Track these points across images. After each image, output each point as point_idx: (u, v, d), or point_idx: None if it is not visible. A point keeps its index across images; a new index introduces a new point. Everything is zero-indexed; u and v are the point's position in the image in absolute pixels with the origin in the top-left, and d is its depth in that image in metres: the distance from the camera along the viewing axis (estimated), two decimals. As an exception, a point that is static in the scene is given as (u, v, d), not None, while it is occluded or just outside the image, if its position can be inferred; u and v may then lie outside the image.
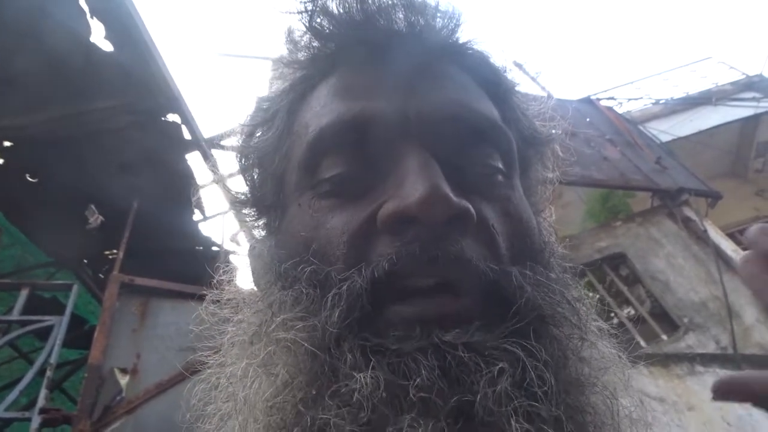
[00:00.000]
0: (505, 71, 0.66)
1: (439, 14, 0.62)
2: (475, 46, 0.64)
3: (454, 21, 0.62)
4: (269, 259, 0.59)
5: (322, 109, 0.58)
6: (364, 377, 0.42)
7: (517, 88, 0.67)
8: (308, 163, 0.56)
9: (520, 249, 0.53)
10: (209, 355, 0.61)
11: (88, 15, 3.55)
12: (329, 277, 0.49)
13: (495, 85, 0.64)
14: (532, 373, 0.43)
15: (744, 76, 10.24)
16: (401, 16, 0.60)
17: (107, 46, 3.73)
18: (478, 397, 0.41)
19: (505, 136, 0.58)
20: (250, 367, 0.51)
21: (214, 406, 0.57)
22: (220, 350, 0.60)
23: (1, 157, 4.34)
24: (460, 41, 0.63)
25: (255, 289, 0.63)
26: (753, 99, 9.40)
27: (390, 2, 0.59)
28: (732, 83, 10.12)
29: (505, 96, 0.65)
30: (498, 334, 0.45)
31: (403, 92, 0.55)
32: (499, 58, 0.66)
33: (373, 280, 0.47)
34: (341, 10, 0.60)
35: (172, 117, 4.33)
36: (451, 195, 0.47)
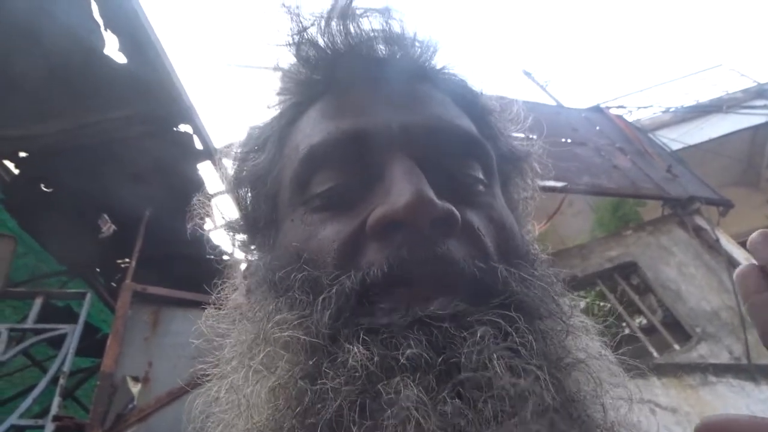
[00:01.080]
0: (481, 94, 0.71)
1: (417, 43, 0.67)
2: (452, 71, 0.69)
3: (431, 49, 0.68)
4: (264, 273, 0.61)
5: (312, 130, 0.61)
6: (358, 349, 0.45)
7: (493, 109, 0.72)
8: (300, 180, 0.59)
9: (506, 251, 0.56)
10: (210, 368, 0.63)
11: (102, 28, 3.60)
12: (320, 282, 0.51)
13: (472, 105, 0.69)
14: (514, 334, 0.46)
15: (755, 84, 10.18)
16: (381, 46, 0.65)
17: (121, 58, 3.78)
18: (463, 356, 0.43)
19: (484, 148, 0.62)
20: (250, 371, 0.53)
21: (216, 418, 0.59)
22: (220, 363, 0.62)
23: (17, 167, 4.40)
24: (437, 67, 0.68)
25: (252, 301, 0.64)
26: (764, 107, 9.34)
27: (371, 35, 0.64)
28: (743, 91, 10.06)
29: (482, 115, 0.69)
30: (482, 308, 0.47)
31: (387, 109, 0.59)
32: (474, 81, 0.71)
33: (364, 284, 0.49)
34: (326, 41, 0.64)
35: (184, 127, 4.37)
36: (435, 198, 0.50)
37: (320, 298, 0.50)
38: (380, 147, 0.56)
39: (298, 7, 0.65)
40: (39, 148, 4.19)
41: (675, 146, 8.91)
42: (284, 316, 0.52)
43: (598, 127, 8.41)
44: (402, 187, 0.51)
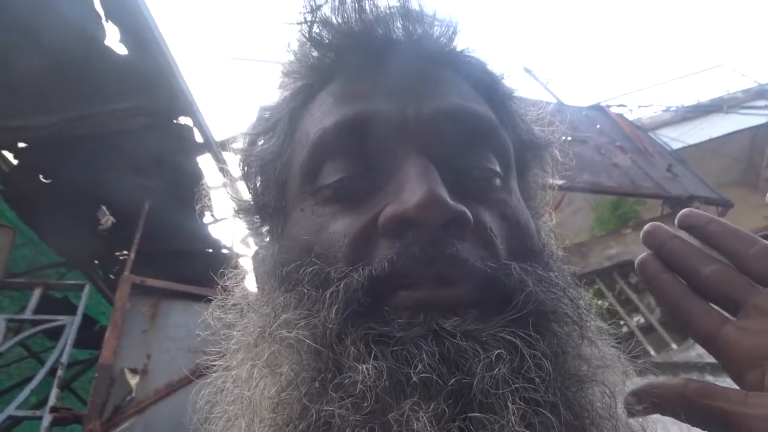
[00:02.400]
0: (502, 77, 0.67)
1: (436, 23, 0.63)
2: (472, 54, 0.65)
3: (452, 29, 0.63)
4: (272, 264, 0.60)
5: (323, 114, 0.59)
6: (366, 368, 0.43)
7: (514, 94, 0.68)
8: (309, 168, 0.57)
9: (519, 250, 0.54)
10: (216, 359, 0.62)
11: (104, 19, 3.59)
12: (329, 277, 0.50)
13: (492, 90, 0.65)
14: (530, 361, 0.44)
15: (756, 84, 10.19)
16: (399, 24, 0.61)
17: (121, 50, 3.76)
18: (476, 379, 0.42)
19: (502, 139, 0.60)
20: (255, 368, 0.52)
21: (221, 408, 0.58)
22: (226, 354, 0.61)
23: (16, 158, 4.39)
24: (458, 49, 0.64)
25: (259, 293, 0.63)
26: (765, 107, 9.35)
27: (388, 12, 0.61)
28: (743, 91, 10.07)
29: (503, 101, 0.66)
30: (495, 323, 0.46)
31: (402, 95, 0.56)
32: (495, 65, 0.67)
33: (371, 277, 0.48)
34: (340, 21, 0.61)
35: (184, 120, 4.36)
36: (448, 199, 0.48)
37: (328, 292, 0.49)
38: (394, 137, 0.54)
39: None
40: (38, 139, 4.18)
41: (675, 145, 8.92)
42: (290, 315, 0.50)
43: (598, 126, 8.40)
44: (415, 186, 0.49)
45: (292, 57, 0.67)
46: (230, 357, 0.59)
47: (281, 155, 0.64)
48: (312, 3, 0.62)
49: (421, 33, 0.62)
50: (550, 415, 0.43)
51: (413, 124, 0.55)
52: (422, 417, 0.40)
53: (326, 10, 0.61)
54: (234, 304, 0.65)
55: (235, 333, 0.61)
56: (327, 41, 0.62)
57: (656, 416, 0.53)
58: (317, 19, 0.62)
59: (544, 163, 0.72)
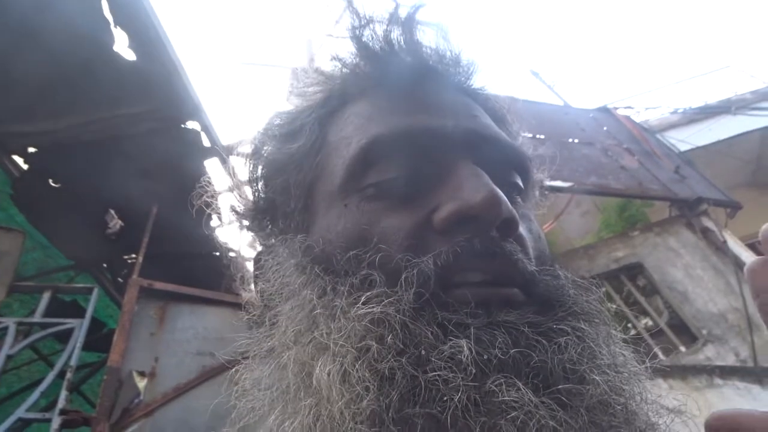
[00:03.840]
0: (508, 110, 0.76)
1: (461, 60, 0.70)
2: (488, 92, 0.74)
3: (472, 68, 0.71)
4: (302, 256, 0.60)
5: (370, 123, 0.63)
6: (459, 343, 0.46)
7: (519, 134, 0.76)
8: (356, 168, 0.60)
9: (542, 261, 0.58)
10: (241, 355, 0.63)
11: (112, 25, 3.62)
12: (398, 263, 0.52)
13: (502, 121, 0.73)
14: (593, 346, 0.49)
15: (764, 85, 10.12)
16: (432, 56, 0.68)
17: (130, 55, 3.79)
18: (551, 362, 0.46)
19: (528, 163, 0.66)
20: (333, 343, 0.51)
21: (251, 398, 0.59)
22: (256, 345, 0.62)
23: (26, 163, 4.43)
24: (475, 86, 0.73)
25: (269, 290, 0.64)
26: (774, 108, 9.28)
27: (423, 44, 0.67)
28: (752, 92, 10.00)
29: (510, 130, 0.74)
30: (550, 317, 0.50)
31: (442, 114, 0.62)
32: (502, 99, 0.76)
33: (437, 266, 0.51)
34: (385, 38, 0.67)
35: (192, 124, 4.39)
36: (507, 199, 0.53)
37: (402, 276, 0.51)
38: (443, 146, 0.59)
39: (361, 2, 0.68)
40: (48, 143, 4.22)
41: (683, 147, 8.87)
42: (363, 294, 0.51)
43: (605, 128, 8.38)
44: (477, 185, 0.53)
45: (322, 67, 0.72)
46: (264, 343, 0.60)
47: (309, 157, 0.67)
48: (363, 18, 0.67)
49: (451, 65, 0.69)
50: (623, 387, 0.48)
51: (461, 139, 0.60)
52: (521, 386, 0.43)
53: (376, 26, 0.67)
54: (270, 295, 0.65)
55: (281, 319, 0.60)
56: (372, 53, 0.68)
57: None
58: (367, 33, 0.67)
59: (536, 190, 0.77)
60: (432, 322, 0.48)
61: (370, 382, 0.47)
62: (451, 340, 0.46)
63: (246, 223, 0.75)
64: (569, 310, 0.52)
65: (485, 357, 0.45)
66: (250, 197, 0.74)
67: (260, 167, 0.72)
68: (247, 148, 0.75)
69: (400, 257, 0.53)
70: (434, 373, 0.45)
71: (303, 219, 0.66)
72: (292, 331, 0.57)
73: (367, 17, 0.67)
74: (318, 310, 0.55)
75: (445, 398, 0.44)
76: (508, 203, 0.53)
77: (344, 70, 0.70)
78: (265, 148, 0.72)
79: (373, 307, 0.50)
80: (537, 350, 0.46)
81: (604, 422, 0.45)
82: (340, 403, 0.48)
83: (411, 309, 0.49)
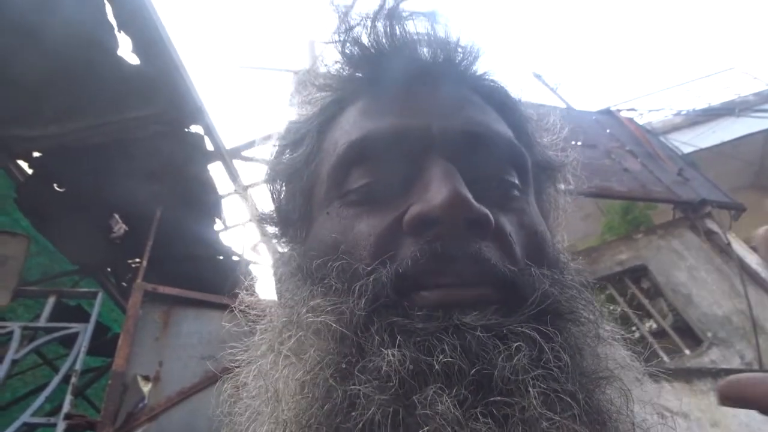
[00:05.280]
0: (519, 102, 0.72)
1: (459, 48, 0.68)
2: (492, 77, 0.70)
3: (473, 55, 0.68)
4: (297, 263, 0.62)
5: (352, 127, 0.63)
6: (392, 353, 0.45)
7: (530, 118, 0.73)
8: (337, 175, 0.60)
9: (536, 258, 0.56)
10: (237, 359, 0.64)
11: (116, 29, 3.64)
12: (357, 271, 0.52)
13: (510, 112, 0.70)
14: (549, 353, 0.46)
15: (768, 87, 10.09)
16: (425, 49, 0.66)
17: (134, 59, 3.81)
18: (497, 369, 0.44)
19: (520, 154, 0.63)
20: (280, 356, 0.53)
21: (243, 404, 0.60)
22: (248, 350, 0.63)
23: (30, 167, 4.45)
24: (478, 73, 0.69)
25: (278, 298, 0.65)
26: (777, 110, 9.25)
27: (415, 37, 0.65)
28: (755, 94, 9.98)
29: (520, 123, 0.70)
30: (515, 319, 0.48)
31: (428, 113, 0.60)
32: (514, 89, 0.72)
33: (397, 274, 0.50)
34: (371, 41, 0.65)
35: (196, 128, 4.40)
36: (472, 200, 0.51)
37: (357, 285, 0.51)
38: (419, 148, 0.58)
39: (345, 6, 0.68)
40: (52, 148, 4.23)
41: (686, 149, 8.84)
42: (318, 301, 0.53)
43: (608, 130, 8.36)
44: (440, 186, 0.52)
45: (321, 73, 0.72)
46: (253, 351, 0.62)
47: (308, 164, 0.68)
48: (347, 23, 0.66)
49: (445, 57, 0.67)
50: (571, 402, 0.44)
51: (438, 137, 0.58)
52: (446, 400, 0.42)
53: (359, 30, 0.66)
54: (255, 303, 0.68)
55: (258, 327, 0.63)
56: (358, 58, 0.67)
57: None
58: (350, 38, 0.66)
59: (557, 183, 0.75)
60: (383, 329, 0.48)
61: (303, 394, 0.49)
62: (382, 351, 0.46)
63: (268, 232, 0.76)
64: (547, 310, 0.50)
65: (419, 367, 0.44)
66: (269, 205, 0.75)
67: (275, 176, 0.73)
68: (265, 158, 0.77)
69: (359, 265, 0.53)
70: (353, 387, 0.45)
71: (303, 227, 0.67)
72: (269, 339, 0.58)
73: (351, 21, 0.66)
74: (285, 319, 0.56)
75: (360, 412, 0.44)
76: (473, 202, 0.51)
77: (342, 74, 0.70)
78: (277, 157, 0.74)
79: (318, 316, 0.51)
80: (485, 357, 0.45)
81: None
82: (287, 413, 0.50)
83: (360, 317, 0.49)
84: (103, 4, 3.50)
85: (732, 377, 0.41)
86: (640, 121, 9.48)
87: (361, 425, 0.44)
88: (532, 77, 9.81)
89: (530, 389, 0.43)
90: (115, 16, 3.58)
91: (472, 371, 0.44)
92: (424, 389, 0.43)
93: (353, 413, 0.45)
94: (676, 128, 9.63)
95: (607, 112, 9.21)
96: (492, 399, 0.43)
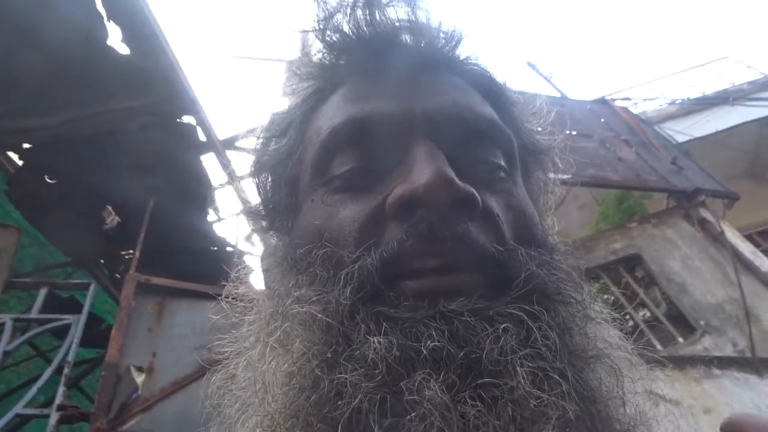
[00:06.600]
0: (504, 85, 0.71)
1: (441, 33, 0.67)
2: (475, 61, 0.70)
3: (456, 39, 0.68)
4: (283, 253, 0.62)
5: (335, 113, 0.62)
6: (378, 340, 0.45)
7: (516, 102, 0.72)
8: (320, 162, 0.60)
9: (524, 238, 0.56)
10: (226, 350, 0.64)
11: (105, 19, 3.60)
12: (342, 259, 0.52)
13: (495, 95, 0.69)
14: (537, 332, 0.46)
15: (762, 76, 10.11)
16: (406, 35, 0.65)
17: (124, 49, 3.77)
18: (485, 352, 0.43)
19: (506, 135, 0.62)
20: (267, 347, 0.53)
21: (232, 395, 0.59)
22: (237, 342, 0.63)
23: (20, 159, 4.41)
24: (461, 57, 0.69)
25: (266, 288, 0.65)
26: (771, 99, 9.27)
27: (395, 23, 0.65)
28: (749, 83, 9.99)
29: (505, 106, 0.70)
30: (501, 301, 0.48)
31: (410, 96, 0.60)
32: (498, 73, 0.72)
33: (383, 260, 0.50)
34: (351, 28, 0.65)
35: (188, 119, 4.37)
36: (456, 179, 0.50)
37: (342, 273, 0.50)
38: (402, 131, 0.57)
39: None
40: (43, 139, 4.20)
41: (681, 138, 8.86)
42: (303, 292, 0.52)
43: (603, 119, 8.37)
44: (423, 167, 0.51)
45: (304, 62, 0.71)
46: (241, 342, 0.61)
47: (292, 154, 0.67)
48: (325, 11, 0.66)
49: (427, 41, 0.66)
50: (559, 380, 0.44)
51: (420, 119, 0.57)
52: (433, 385, 0.42)
53: (339, 18, 0.65)
54: (244, 294, 0.68)
55: (246, 319, 0.63)
56: (339, 46, 0.66)
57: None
58: (330, 25, 0.65)
59: (545, 166, 0.75)
60: (369, 318, 0.47)
61: (290, 385, 0.49)
62: (368, 339, 0.45)
63: (254, 224, 0.76)
64: (533, 290, 0.49)
65: (407, 353, 0.44)
66: (257, 198, 0.75)
67: (260, 168, 0.73)
68: (250, 149, 0.76)
69: (343, 252, 0.52)
70: (340, 375, 0.45)
71: (289, 217, 0.67)
72: (256, 330, 0.58)
73: (330, 9, 0.65)
74: (272, 309, 0.56)
75: (347, 401, 0.44)
76: (457, 181, 0.50)
77: (324, 62, 0.69)
78: (262, 149, 0.73)
79: (303, 306, 0.51)
80: (472, 340, 0.44)
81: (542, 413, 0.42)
82: (274, 405, 0.50)
83: (346, 307, 0.48)
84: (93, -7, 3.46)
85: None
86: (635, 111, 9.49)
87: (348, 413, 0.44)
88: (526, 66, 9.78)
89: (518, 369, 0.43)
90: (105, 6, 3.55)
91: (460, 355, 0.43)
92: (412, 375, 0.43)
93: (340, 402, 0.45)
94: (670, 117, 9.64)
95: (602, 102, 9.21)
96: (480, 381, 0.42)
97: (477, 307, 0.46)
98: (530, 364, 0.43)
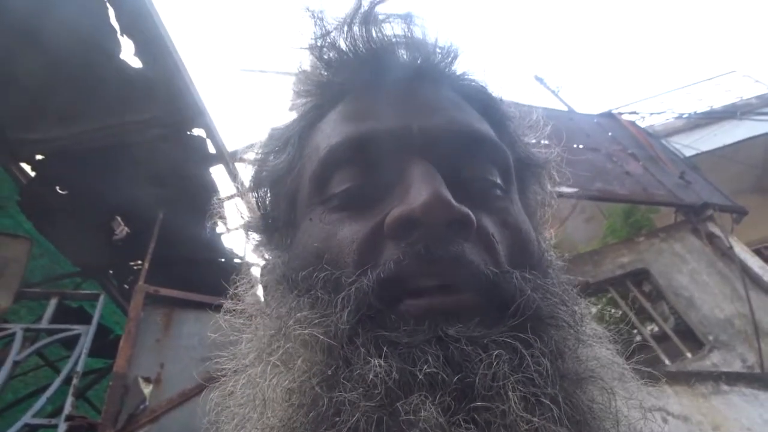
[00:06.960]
0: (500, 100, 0.72)
1: (438, 49, 0.68)
2: (471, 77, 0.70)
3: (452, 55, 0.68)
4: (282, 272, 0.62)
5: (333, 131, 0.62)
6: (378, 363, 0.46)
7: (512, 116, 0.73)
8: (319, 180, 0.60)
9: (519, 258, 0.56)
10: (226, 365, 0.64)
11: (119, 33, 3.65)
12: (340, 281, 0.52)
13: (491, 110, 0.70)
14: (529, 359, 0.46)
15: (770, 90, 10.07)
16: (402, 51, 0.66)
17: (136, 63, 3.82)
18: (478, 377, 0.45)
19: (502, 152, 0.63)
20: (269, 365, 0.54)
21: (230, 411, 0.60)
22: (236, 358, 0.63)
23: (33, 170, 4.46)
24: (457, 72, 0.69)
25: (265, 305, 0.66)
26: (779, 113, 9.24)
27: (392, 40, 0.66)
28: (757, 97, 9.96)
29: (501, 121, 0.70)
30: (497, 330, 0.48)
31: (406, 113, 0.60)
32: (494, 88, 0.72)
33: (380, 280, 0.50)
34: (348, 46, 0.66)
35: (198, 131, 4.41)
36: (452, 200, 0.51)
37: (340, 297, 0.51)
38: (399, 150, 0.57)
39: (321, 12, 0.67)
40: (55, 150, 4.24)
41: (688, 152, 8.83)
42: (305, 314, 0.53)
43: (610, 133, 8.36)
44: (420, 188, 0.52)
45: (302, 79, 0.71)
46: (241, 359, 0.62)
47: (291, 171, 0.68)
48: (322, 28, 0.66)
49: (423, 57, 0.67)
50: (551, 405, 0.45)
51: (417, 137, 0.58)
52: (430, 407, 0.43)
53: (335, 35, 0.66)
54: (243, 310, 0.68)
55: (244, 336, 0.63)
56: (336, 64, 0.67)
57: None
58: (327, 43, 0.66)
59: (542, 180, 0.75)
60: (368, 342, 0.48)
61: (289, 402, 0.50)
62: (369, 361, 0.46)
63: (254, 240, 0.76)
64: (529, 319, 0.50)
65: (405, 377, 0.45)
66: (256, 214, 0.76)
67: (259, 182, 0.74)
68: (250, 164, 0.77)
69: (342, 275, 0.53)
70: (339, 394, 0.46)
71: (288, 233, 0.67)
72: (257, 348, 0.59)
73: (327, 26, 0.66)
74: (273, 330, 0.57)
75: (345, 418, 0.45)
76: (453, 202, 0.50)
77: (322, 79, 0.70)
78: (261, 163, 0.74)
79: (305, 328, 0.51)
80: (467, 366, 0.45)
81: None
82: (273, 419, 0.51)
83: (345, 331, 0.49)
84: (106, 8, 3.52)
85: None
86: (642, 125, 9.47)
87: (345, 431, 0.45)
88: (534, 80, 9.80)
89: (510, 394, 0.44)
90: (118, 20, 3.60)
91: (455, 379, 0.44)
92: (409, 397, 0.44)
93: (338, 419, 0.46)
94: (677, 131, 9.61)
95: (609, 116, 9.20)
96: (474, 405, 0.43)
97: (474, 335, 0.47)
98: (522, 389, 0.44)
